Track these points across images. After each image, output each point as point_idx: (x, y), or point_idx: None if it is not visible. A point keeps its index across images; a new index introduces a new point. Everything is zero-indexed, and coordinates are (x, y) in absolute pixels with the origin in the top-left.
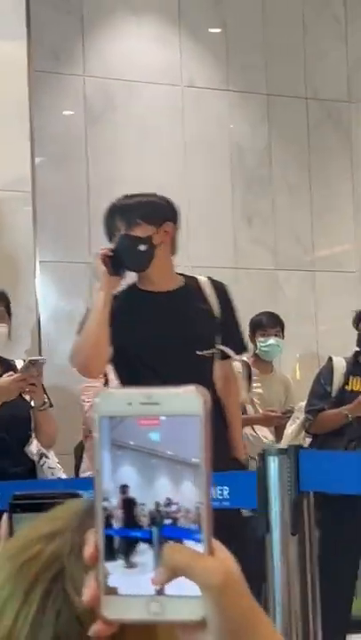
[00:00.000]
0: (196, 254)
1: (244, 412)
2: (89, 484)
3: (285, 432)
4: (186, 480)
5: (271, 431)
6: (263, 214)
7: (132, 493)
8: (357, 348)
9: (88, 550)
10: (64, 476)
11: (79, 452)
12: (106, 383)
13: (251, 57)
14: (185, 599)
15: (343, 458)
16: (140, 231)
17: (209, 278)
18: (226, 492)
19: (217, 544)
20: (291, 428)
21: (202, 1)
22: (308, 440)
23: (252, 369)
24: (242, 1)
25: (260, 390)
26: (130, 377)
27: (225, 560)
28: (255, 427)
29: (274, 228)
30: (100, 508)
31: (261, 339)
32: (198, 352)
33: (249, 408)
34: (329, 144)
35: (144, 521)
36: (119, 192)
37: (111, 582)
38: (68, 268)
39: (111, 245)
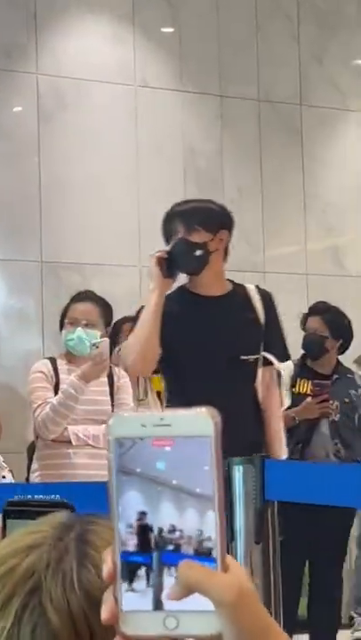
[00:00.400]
0: (149, 254)
1: None
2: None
3: None
4: (190, 507)
5: None
6: None
7: (123, 517)
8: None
9: (106, 569)
10: (9, 475)
11: (30, 452)
12: (56, 386)
13: (204, 58)
14: (200, 614)
15: (308, 468)
16: (198, 237)
17: (256, 286)
18: None
19: (231, 561)
20: None
21: (156, 0)
22: None
23: None
24: (196, 2)
25: None
26: (176, 378)
27: (239, 576)
28: None
29: None
30: (117, 529)
31: None
32: (243, 357)
33: None
34: (280, 146)
35: (147, 546)
36: (71, 191)
37: (125, 600)
38: (20, 267)
39: (166, 248)
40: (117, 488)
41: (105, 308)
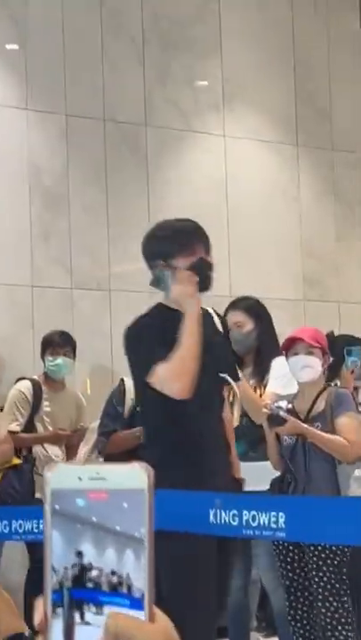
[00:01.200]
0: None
1: (35, 430)
2: None
3: (79, 453)
4: (120, 553)
5: (62, 450)
6: (60, 233)
7: (55, 559)
8: None
9: (37, 618)
10: None
11: None
12: None
13: (50, 77)
14: None
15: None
16: (210, 258)
17: (213, 309)
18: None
19: (158, 612)
20: (84, 449)
21: (1, 18)
22: (101, 460)
23: (43, 387)
24: (41, 20)
25: (48, 409)
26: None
27: (165, 627)
28: (45, 445)
29: (70, 246)
30: (49, 576)
31: (50, 357)
32: (221, 374)
33: (39, 426)
34: (125, 165)
35: (66, 584)
36: None
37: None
38: None
39: (189, 268)
40: (51, 537)
41: None
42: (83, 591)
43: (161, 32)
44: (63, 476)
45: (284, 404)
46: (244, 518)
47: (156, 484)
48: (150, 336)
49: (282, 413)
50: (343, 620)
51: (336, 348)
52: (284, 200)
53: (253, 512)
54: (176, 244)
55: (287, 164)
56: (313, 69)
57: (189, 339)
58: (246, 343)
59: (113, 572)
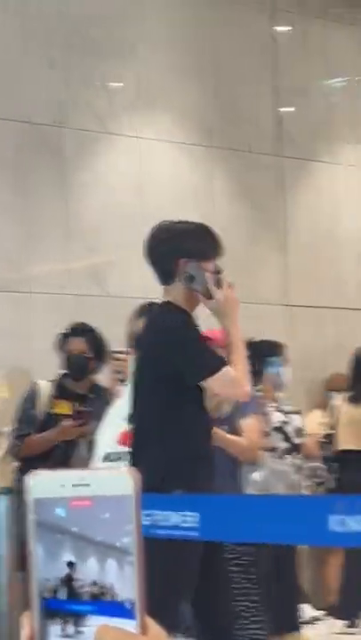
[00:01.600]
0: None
1: None
2: None
3: None
4: (109, 563)
5: None
6: None
7: (37, 571)
8: (64, 371)
9: (24, 634)
10: None
11: None
12: None
13: None
14: None
15: None
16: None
17: None
18: None
19: (150, 622)
20: None
21: None
22: (16, 464)
23: None
24: None
25: None
26: (191, 402)
27: (158, 638)
28: None
29: None
30: (34, 590)
31: None
32: None
33: None
34: (41, 167)
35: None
36: None
37: None
38: None
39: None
40: (35, 549)
41: None
42: (63, 602)
43: (75, 33)
44: (45, 484)
45: None
46: (156, 518)
47: (173, 479)
48: (196, 340)
49: None
50: (253, 618)
51: (257, 354)
52: (198, 202)
53: (167, 512)
54: (204, 245)
55: (201, 166)
56: (227, 71)
57: (241, 344)
58: None
59: (95, 583)
